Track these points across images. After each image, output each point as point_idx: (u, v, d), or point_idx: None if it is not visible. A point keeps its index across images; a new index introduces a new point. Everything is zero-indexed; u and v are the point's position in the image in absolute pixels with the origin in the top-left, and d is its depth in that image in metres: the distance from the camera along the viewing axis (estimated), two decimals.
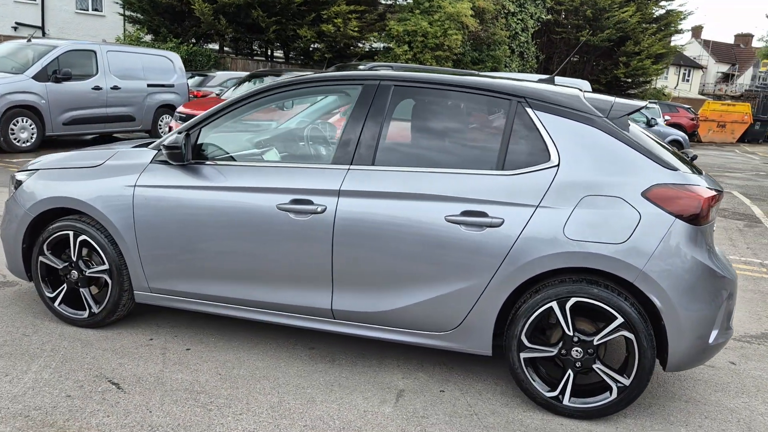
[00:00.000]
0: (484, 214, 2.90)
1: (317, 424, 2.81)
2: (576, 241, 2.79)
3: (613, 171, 2.86)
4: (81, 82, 11.11)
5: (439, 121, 3.28)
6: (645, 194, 2.80)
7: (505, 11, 26.37)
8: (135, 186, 3.44)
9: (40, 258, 3.67)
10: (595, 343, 2.87)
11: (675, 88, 50.46)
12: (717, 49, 62.19)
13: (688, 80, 58.04)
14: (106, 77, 11.57)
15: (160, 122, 12.82)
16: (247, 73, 15.37)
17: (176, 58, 13.31)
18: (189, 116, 8.62)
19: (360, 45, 23.93)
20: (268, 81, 10.98)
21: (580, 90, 3.19)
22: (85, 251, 3.63)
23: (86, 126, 11.38)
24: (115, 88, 11.69)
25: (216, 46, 23.09)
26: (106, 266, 3.54)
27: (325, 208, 3.10)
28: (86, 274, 3.60)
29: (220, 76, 15.53)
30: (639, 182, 2.82)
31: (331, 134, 4.41)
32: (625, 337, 2.83)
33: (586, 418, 2.95)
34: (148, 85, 12.42)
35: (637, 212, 2.77)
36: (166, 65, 12.95)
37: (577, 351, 2.89)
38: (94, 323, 3.65)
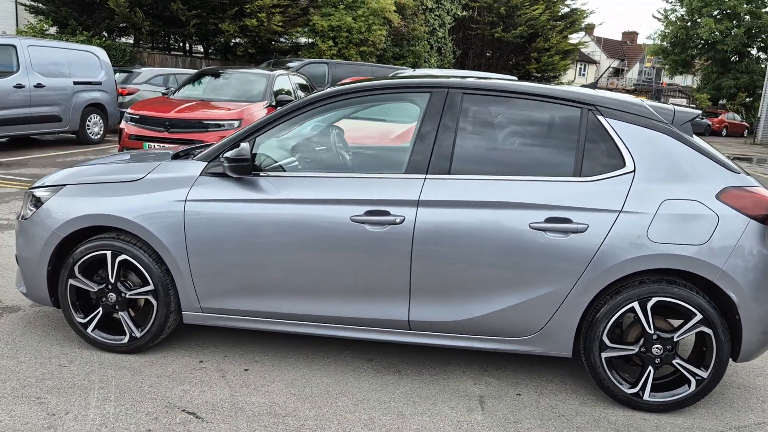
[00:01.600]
0: (568, 221, 2.97)
1: None
2: (660, 243, 2.91)
3: (687, 176, 3.01)
4: (1, 80, 10.20)
5: (510, 128, 3.31)
6: (719, 197, 2.96)
7: (424, 7, 26.78)
8: (186, 201, 3.22)
9: (70, 281, 3.36)
10: (674, 339, 3.02)
11: (573, 81, 53.33)
12: (608, 46, 66.24)
13: (584, 75, 61.60)
14: (29, 74, 10.69)
15: (88, 122, 12.01)
16: (192, 70, 14.66)
17: (102, 54, 12.49)
18: (143, 117, 8.09)
19: (283, 40, 23.46)
20: (209, 79, 10.44)
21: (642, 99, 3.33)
22: (120, 272, 3.36)
23: (9, 128, 10.46)
24: (39, 86, 10.83)
25: (131, 40, 21.81)
26: (150, 287, 3.29)
27: (404, 219, 3.05)
28: (126, 296, 3.34)
29: (146, 72, 14.69)
30: (712, 186, 2.98)
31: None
32: (703, 332, 3.00)
33: (664, 411, 3.09)
34: (75, 83, 11.58)
35: (715, 214, 2.93)
36: (91, 61, 12.12)
37: (657, 348, 3.02)
38: (135, 348, 3.39)
